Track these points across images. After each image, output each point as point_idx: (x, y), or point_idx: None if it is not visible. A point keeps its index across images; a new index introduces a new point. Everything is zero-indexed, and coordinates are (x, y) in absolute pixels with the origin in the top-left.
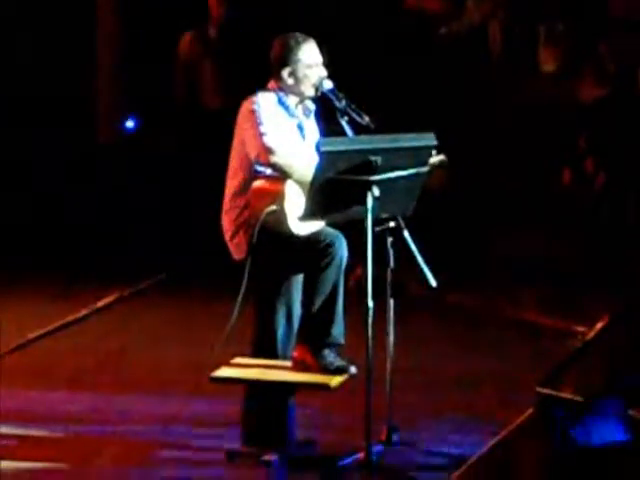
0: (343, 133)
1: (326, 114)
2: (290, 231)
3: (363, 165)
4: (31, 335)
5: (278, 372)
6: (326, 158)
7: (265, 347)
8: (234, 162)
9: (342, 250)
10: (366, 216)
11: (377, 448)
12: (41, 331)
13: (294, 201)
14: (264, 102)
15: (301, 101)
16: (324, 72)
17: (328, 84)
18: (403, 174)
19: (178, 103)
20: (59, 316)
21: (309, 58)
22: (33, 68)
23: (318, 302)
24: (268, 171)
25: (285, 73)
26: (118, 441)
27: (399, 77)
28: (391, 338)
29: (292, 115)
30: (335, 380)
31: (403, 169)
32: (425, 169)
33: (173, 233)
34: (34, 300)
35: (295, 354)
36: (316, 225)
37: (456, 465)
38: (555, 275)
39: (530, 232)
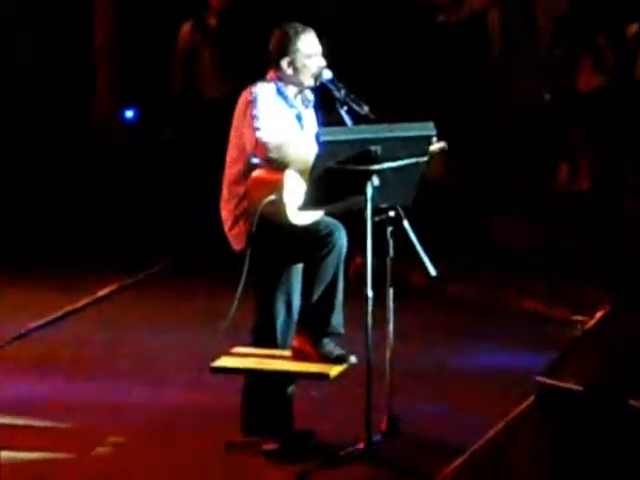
0: (342, 123)
1: (325, 104)
2: (289, 221)
3: (363, 155)
4: (31, 325)
5: (278, 362)
6: (326, 148)
7: (265, 337)
8: (232, 151)
9: (342, 240)
10: (366, 206)
11: (377, 438)
12: (41, 321)
13: (293, 191)
14: (262, 93)
15: (300, 91)
16: (323, 62)
17: (327, 74)
18: (403, 164)
19: (177, 92)
20: (58, 306)
21: (308, 48)
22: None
23: (318, 292)
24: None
25: (284, 63)
26: (118, 431)
27: (398, 66)
28: (391, 327)
29: (291, 105)
30: (335, 369)
31: (403, 159)
32: (424, 159)
33: (173, 223)
34: (34, 290)
35: (295, 343)
36: (315, 215)
37: (456, 454)
38: (555, 264)
39: (530, 222)
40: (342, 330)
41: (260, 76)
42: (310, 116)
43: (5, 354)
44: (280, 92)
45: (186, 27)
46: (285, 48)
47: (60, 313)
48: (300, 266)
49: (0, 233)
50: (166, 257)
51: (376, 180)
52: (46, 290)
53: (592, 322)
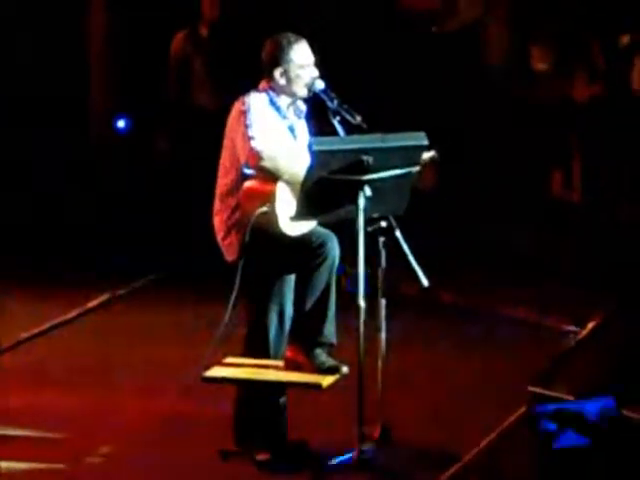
0: (334, 133)
1: (317, 114)
2: (282, 231)
3: (355, 165)
4: (23, 335)
5: (270, 372)
6: (318, 158)
7: (257, 347)
8: (225, 162)
9: (334, 250)
10: (358, 216)
11: (369, 447)
12: (33, 331)
13: (286, 201)
14: (255, 103)
15: (293, 102)
16: (316, 72)
17: (320, 84)
18: (395, 173)
19: (170, 102)
20: (51, 316)
21: (301, 58)
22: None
23: (310, 302)
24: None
25: (277, 73)
26: (110, 441)
27: (390, 76)
28: (383, 336)
29: (284, 116)
30: (327, 380)
31: (395, 169)
32: (416, 168)
33: (165, 233)
34: (25, 301)
35: (287, 354)
36: (308, 225)
37: (448, 464)
38: (548, 273)
39: (523, 230)
40: (334, 340)
41: (252, 86)
42: (302, 126)
43: None
44: (273, 102)
45: (179, 36)
46: (278, 58)
47: (52, 323)
48: (293, 276)
49: None
50: (160, 266)
51: (368, 190)
52: (38, 301)
53: (584, 332)
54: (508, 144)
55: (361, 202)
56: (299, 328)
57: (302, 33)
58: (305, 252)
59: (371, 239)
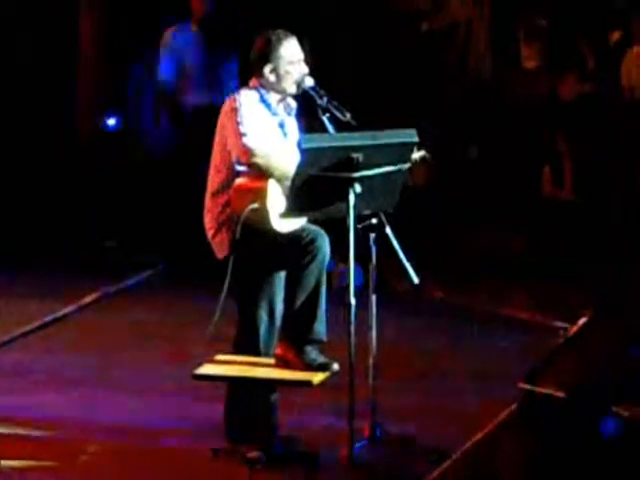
0: (324, 130)
1: (307, 111)
2: (272, 228)
3: (345, 162)
4: (15, 332)
5: (261, 369)
6: (308, 155)
7: (248, 344)
8: (216, 160)
9: (324, 247)
10: (348, 213)
11: (361, 444)
12: (25, 328)
13: (276, 198)
14: (246, 100)
15: (283, 98)
16: (305, 69)
17: (309, 81)
18: (385, 171)
19: (160, 99)
20: (43, 313)
21: (291, 55)
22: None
23: (300, 299)
24: (249, 169)
25: (267, 70)
26: (100, 440)
27: (381, 73)
28: (374, 333)
29: (274, 113)
30: (318, 377)
31: (385, 166)
32: (407, 165)
33: (157, 231)
34: (17, 297)
35: (278, 351)
36: (298, 222)
37: (440, 461)
38: (538, 271)
39: (513, 228)
40: (325, 338)
41: (243, 83)
42: (292, 123)
43: None
44: (263, 99)
45: (169, 33)
46: (267, 55)
47: (45, 320)
48: (283, 274)
49: None
50: (153, 263)
51: (358, 187)
52: (30, 297)
53: (574, 329)
54: (498, 142)
55: (351, 199)
56: (289, 325)
57: (292, 30)
58: (295, 249)
59: (362, 236)
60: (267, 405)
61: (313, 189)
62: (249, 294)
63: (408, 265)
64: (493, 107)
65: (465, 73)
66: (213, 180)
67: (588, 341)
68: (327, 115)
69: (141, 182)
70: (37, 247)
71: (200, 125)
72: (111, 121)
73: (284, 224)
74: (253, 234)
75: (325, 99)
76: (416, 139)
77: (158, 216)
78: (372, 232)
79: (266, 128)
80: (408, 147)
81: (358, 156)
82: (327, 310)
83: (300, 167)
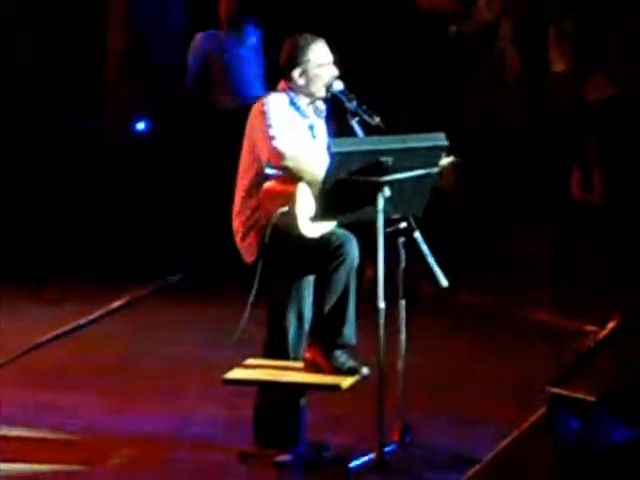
0: (353, 134)
1: (336, 115)
2: (301, 233)
3: (374, 166)
4: (44, 337)
5: (290, 373)
6: (337, 159)
7: (277, 348)
8: (245, 163)
9: (353, 251)
10: (377, 217)
11: (390, 448)
12: (52, 334)
13: (306, 202)
14: (275, 103)
15: (312, 101)
16: (335, 71)
17: (338, 85)
18: (414, 174)
19: (190, 103)
20: (72, 318)
21: (319, 57)
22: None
23: (329, 303)
24: (279, 172)
25: (296, 73)
26: (131, 443)
27: (410, 77)
28: (403, 338)
29: (304, 116)
30: (347, 381)
31: (414, 169)
32: (436, 169)
33: (185, 235)
34: (47, 302)
35: (307, 355)
36: (327, 226)
37: (469, 465)
38: (568, 275)
39: (543, 231)
40: (354, 341)
41: (270, 88)
42: (322, 126)
43: (18, 366)
44: (292, 103)
45: (199, 37)
46: (296, 58)
47: (73, 325)
48: (312, 278)
49: (10, 244)
50: (181, 268)
51: (387, 191)
52: (59, 302)
53: (604, 332)
54: (527, 145)
55: (380, 203)
56: (318, 329)
57: (320, 33)
58: (324, 253)
59: (391, 240)
60: (296, 409)
61: (342, 193)
62: (278, 298)
63: (437, 269)
64: (522, 110)
65: (496, 77)
66: (242, 183)
67: (618, 345)
68: (356, 119)
69: (171, 185)
70: (68, 251)
71: (229, 128)
72: (141, 125)
73: (313, 228)
74: (282, 238)
75: (354, 103)
76: (445, 143)
77: (187, 219)
78: (401, 236)
79: (296, 131)
80: (437, 151)
81: (387, 160)
82: (356, 314)
83: (329, 171)
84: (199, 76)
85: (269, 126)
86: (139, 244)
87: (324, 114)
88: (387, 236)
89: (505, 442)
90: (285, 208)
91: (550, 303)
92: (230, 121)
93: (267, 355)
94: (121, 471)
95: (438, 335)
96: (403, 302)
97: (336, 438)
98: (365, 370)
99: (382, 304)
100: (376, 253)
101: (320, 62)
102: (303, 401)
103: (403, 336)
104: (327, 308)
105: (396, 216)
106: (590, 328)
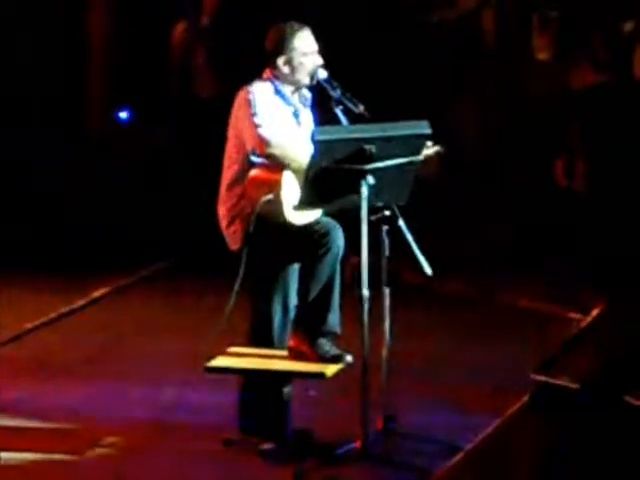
0: (337, 122)
1: (320, 103)
2: (286, 220)
3: (358, 154)
4: (27, 326)
5: (274, 361)
6: (321, 147)
7: (261, 336)
8: (230, 151)
9: (338, 240)
10: (361, 205)
11: (374, 436)
12: (37, 322)
13: (291, 190)
14: (260, 91)
15: (296, 90)
16: (320, 60)
17: (323, 73)
18: (398, 162)
19: (172, 93)
20: (55, 307)
21: (305, 46)
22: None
23: (314, 291)
24: (264, 160)
25: (281, 61)
26: (114, 431)
27: (393, 65)
28: (387, 325)
29: (289, 103)
30: (331, 369)
31: (398, 157)
32: (419, 158)
33: (169, 223)
34: (30, 291)
35: (291, 343)
36: (313, 214)
37: (453, 453)
38: (551, 262)
39: (525, 219)
40: (338, 329)
41: (254, 76)
42: (307, 114)
43: (1, 355)
44: (277, 91)
45: (179, 27)
46: (281, 46)
47: (56, 314)
48: (297, 266)
49: None
50: (164, 257)
51: (371, 179)
52: (42, 291)
53: (587, 320)
54: (509, 133)
55: (364, 191)
56: (303, 317)
57: (304, 21)
58: (309, 241)
59: (374, 228)
60: (280, 397)
61: (326, 181)
62: (263, 286)
63: (421, 257)
64: (505, 98)
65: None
66: (227, 172)
67: (601, 332)
68: (340, 107)
69: (153, 174)
70: (50, 240)
71: (212, 117)
72: (123, 114)
73: (298, 216)
74: (267, 226)
75: (338, 91)
76: (428, 131)
77: (170, 208)
78: (385, 224)
79: (281, 119)
80: (421, 139)
81: (371, 148)
82: (340, 302)
83: (313, 159)
84: (181, 66)
85: (254, 114)
86: (122, 232)
87: (309, 102)
88: (371, 224)
89: (489, 430)
90: (270, 196)
91: (535, 291)
92: (212, 111)
93: (252, 343)
94: (105, 459)
95: (422, 323)
96: (387, 290)
97: (320, 426)
98: (349, 358)
99: (366, 291)
100: (360, 241)
101: (305, 51)
102: (287, 389)
103: (387, 324)
104: (312, 296)
105: (380, 204)
106: (574, 316)
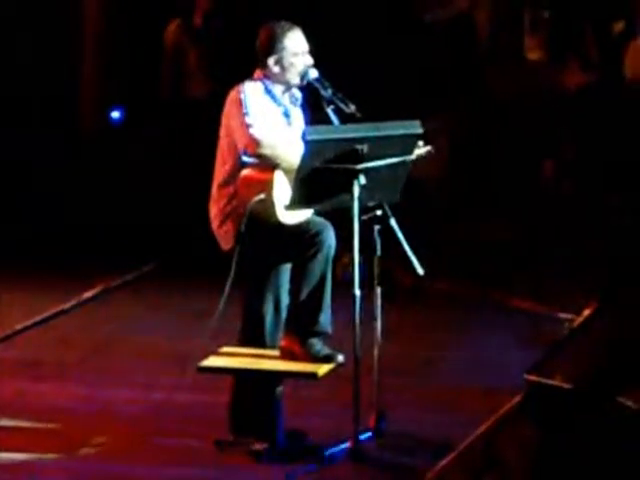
0: (329, 122)
1: (312, 103)
2: (278, 220)
3: (349, 153)
4: (18, 326)
5: (266, 361)
6: (312, 147)
7: (253, 336)
8: (221, 151)
9: (330, 239)
10: (352, 204)
11: (365, 436)
12: (28, 322)
13: (282, 190)
14: (251, 91)
15: (287, 89)
16: (310, 60)
17: (314, 73)
18: (389, 162)
19: (164, 92)
20: (46, 307)
21: (295, 46)
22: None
23: (306, 291)
24: (256, 160)
25: (271, 61)
26: (104, 431)
27: (385, 64)
28: (379, 325)
29: (279, 104)
30: (322, 369)
31: (389, 157)
32: (411, 157)
33: (160, 223)
34: (20, 291)
35: (283, 343)
36: (304, 214)
37: (445, 452)
38: (543, 262)
39: (517, 220)
40: (330, 329)
41: (246, 76)
42: (298, 114)
43: None
44: (268, 90)
45: (172, 26)
46: (272, 46)
47: (47, 314)
48: (288, 265)
49: None
50: (154, 257)
51: (363, 179)
52: (33, 291)
53: (580, 320)
54: (499, 134)
55: (356, 191)
56: (295, 317)
57: (296, 22)
58: (301, 241)
59: (366, 228)
60: (272, 397)
61: (317, 181)
62: (254, 286)
63: (413, 257)
64: (497, 98)
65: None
66: (219, 171)
67: (594, 332)
68: (331, 107)
69: (143, 174)
70: (40, 240)
71: (203, 117)
72: (116, 114)
73: (290, 216)
74: (259, 226)
75: (329, 91)
76: (420, 130)
77: (160, 209)
78: (377, 224)
79: (272, 119)
80: (412, 138)
81: (362, 148)
82: (332, 302)
83: (304, 159)
84: (173, 66)
85: (245, 114)
86: (112, 232)
87: (300, 102)
88: (363, 224)
89: (481, 429)
90: (262, 196)
91: (526, 290)
92: (204, 111)
93: (243, 343)
94: (94, 460)
95: (414, 322)
96: (379, 290)
97: (312, 426)
98: (341, 357)
99: (358, 291)
100: (352, 241)
101: (295, 51)
102: (279, 389)
103: (379, 324)
104: (303, 296)
105: (371, 204)
106: (566, 316)
